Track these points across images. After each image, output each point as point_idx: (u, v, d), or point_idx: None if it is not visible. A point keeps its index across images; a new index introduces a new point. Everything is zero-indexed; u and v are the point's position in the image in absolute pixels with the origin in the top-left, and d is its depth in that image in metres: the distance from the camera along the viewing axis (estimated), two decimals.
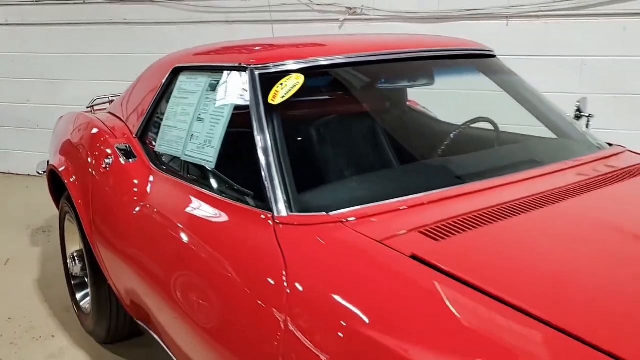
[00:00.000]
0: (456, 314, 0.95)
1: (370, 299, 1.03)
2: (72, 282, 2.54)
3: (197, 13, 4.16)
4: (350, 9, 3.75)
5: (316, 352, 1.03)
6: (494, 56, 2.13)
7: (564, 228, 1.23)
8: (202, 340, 1.45)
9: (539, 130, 2.02)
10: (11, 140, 5.09)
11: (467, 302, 0.96)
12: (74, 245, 2.47)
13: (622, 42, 3.29)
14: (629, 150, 1.87)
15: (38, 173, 2.96)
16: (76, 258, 2.46)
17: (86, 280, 2.40)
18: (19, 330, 2.52)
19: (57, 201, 2.63)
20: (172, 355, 1.76)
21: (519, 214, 1.24)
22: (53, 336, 2.48)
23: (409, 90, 2.55)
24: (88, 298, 2.41)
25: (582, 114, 2.14)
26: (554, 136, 1.97)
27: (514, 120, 2.07)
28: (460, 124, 2.02)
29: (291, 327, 1.10)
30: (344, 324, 1.00)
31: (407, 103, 2.58)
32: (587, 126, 2.14)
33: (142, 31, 4.38)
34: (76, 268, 2.46)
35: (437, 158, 1.73)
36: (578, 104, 2.15)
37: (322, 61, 1.69)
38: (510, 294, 0.95)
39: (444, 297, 0.99)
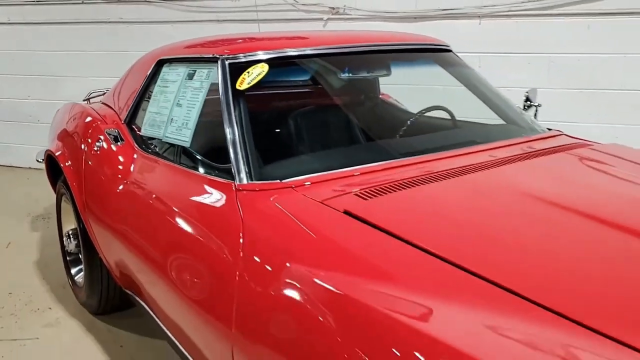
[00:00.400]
0: (373, 253, 1.17)
1: (309, 245, 1.24)
2: (68, 258, 2.76)
3: (190, 12, 4.37)
4: (333, 8, 3.97)
5: (263, 292, 1.24)
6: (450, 50, 2.34)
7: (478, 190, 1.44)
8: (177, 295, 1.66)
9: (489, 115, 2.23)
10: (13, 135, 5.31)
11: (380, 243, 1.17)
12: (70, 224, 2.69)
13: (586, 39, 3.50)
14: (566, 135, 2.08)
15: (37, 161, 3.18)
16: (71, 236, 2.67)
17: (80, 256, 2.61)
18: (18, 303, 2.74)
19: (54, 184, 2.84)
20: (156, 319, 1.96)
21: (443, 179, 1.46)
22: (50, 308, 2.70)
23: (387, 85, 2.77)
24: (82, 272, 2.63)
25: (531, 103, 2.35)
26: (501, 121, 2.18)
27: (467, 107, 2.27)
28: (419, 111, 2.24)
29: (244, 275, 1.31)
30: (288, 265, 1.21)
31: (380, 96, 2.79)
32: (535, 115, 2.34)
33: (139, 30, 4.59)
34: (71, 245, 2.67)
35: (386, 138, 1.94)
36: (527, 93, 2.35)
37: (289, 52, 1.90)
38: (419, 239, 1.16)
39: (366, 240, 1.20)
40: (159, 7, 4.47)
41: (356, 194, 1.37)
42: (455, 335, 0.91)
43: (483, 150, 1.74)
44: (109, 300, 2.49)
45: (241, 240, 1.37)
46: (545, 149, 1.79)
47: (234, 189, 1.52)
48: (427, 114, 2.22)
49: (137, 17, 4.57)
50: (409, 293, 1.02)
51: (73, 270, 2.73)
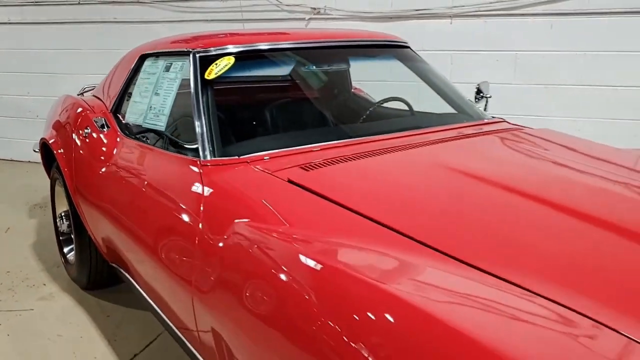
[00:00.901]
0: (307, 211, 1.40)
1: (253, 206, 1.47)
2: (61, 238, 2.99)
3: (180, 13, 4.61)
4: (315, 8, 4.20)
5: (213, 248, 1.46)
6: (407, 47, 2.56)
7: (404, 162, 1.67)
8: (154, 262, 1.88)
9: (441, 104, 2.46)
10: (13, 130, 5.55)
11: (314, 204, 1.40)
12: (62, 206, 2.92)
13: (549, 38, 3.72)
14: (507, 122, 2.30)
15: (34, 151, 3.41)
16: (64, 217, 2.91)
17: (72, 236, 2.84)
18: (16, 280, 2.97)
19: (48, 171, 3.08)
20: (138, 288, 2.17)
21: (378, 155, 1.68)
22: (44, 284, 2.93)
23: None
24: (73, 251, 2.86)
25: (483, 95, 2.57)
26: (451, 110, 2.40)
27: (422, 97, 2.50)
28: (378, 101, 2.47)
29: (206, 240, 1.53)
30: (236, 221, 1.44)
31: (353, 90, 3.02)
32: (485, 106, 2.57)
33: (131, 29, 4.83)
34: (64, 226, 2.91)
35: (342, 123, 2.17)
36: (478, 86, 2.58)
37: (256, 46, 2.13)
38: (345, 199, 1.38)
39: (302, 202, 1.43)
40: (150, 7, 4.71)
41: (300, 167, 1.60)
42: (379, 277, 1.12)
43: (423, 133, 1.96)
44: (97, 274, 2.71)
45: (201, 208, 1.60)
46: (480, 132, 2.02)
47: (199, 164, 1.75)
48: (387, 104, 2.45)
49: (130, 17, 4.81)
50: (328, 238, 1.25)
51: (65, 249, 2.96)
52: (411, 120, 2.28)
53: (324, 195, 1.42)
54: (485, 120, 2.24)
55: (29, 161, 5.42)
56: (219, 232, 1.46)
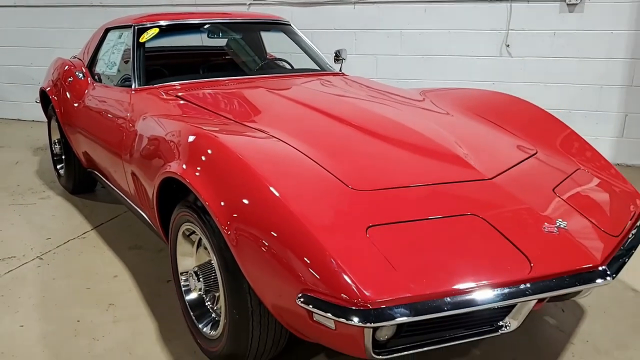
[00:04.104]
0: (188, 113, 2.61)
1: (155, 108, 2.69)
2: (55, 158, 4.24)
3: None
4: None
5: (132, 134, 2.68)
6: (289, 24, 3.76)
7: (251, 89, 2.89)
8: (111, 156, 3.10)
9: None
10: (20, 94, 6.78)
11: (190, 107, 2.62)
12: (56, 135, 4.15)
13: (424, 19, 4.91)
14: (343, 74, 3.51)
15: (35, 102, 4.63)
16: (57, 142, 4.15)
17: (62, 157, 4.08)
18: (24, 189, 4.22)
19: (45, 111, 4.30)
20: (105, 181, 3.41)
21: (239, 84, 2.90)
22: (44, 191, 4.18)
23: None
24: (63, 168, 4.10)
25: (340, 57, 3.77)
26: (316, 67, 3.61)
27: (298, 58, 3.71)
28: (267, 60, 3.70)
29: (130, 130, 2.75)
30: (149, 116, 2.66)
31: (268, 56, 4.23)
32: (341, 65, 3.76)
33: (113, 11, 6.00)
34: (56, 148, 4.15)
35: (229, 70, 3.40)
36: (337, 51, 3.77)
37: (178, 22, 3.35)
38: (208, 105, 2.59)
39: (183, 106, 2.65)
40: None
41: (185, 90, 2.83)
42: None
43: (281, 77, 3.19)
44: (79, 180, 3.95)
45: (128, 114, 2.83)
46: (315, 77, 3.23)
47: (132, 91, 2.97)
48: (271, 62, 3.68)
49: (113, 2, 6.00)
50: (191, 118, 2.46)
51: (58, 166, 4.21)
52: (274, 70, 3.51)
53: (194, 102, 2.64)
54: (329, 72, 3.46)
55: (33, 120, 6.65)
56: (135, 122, 2.69)
